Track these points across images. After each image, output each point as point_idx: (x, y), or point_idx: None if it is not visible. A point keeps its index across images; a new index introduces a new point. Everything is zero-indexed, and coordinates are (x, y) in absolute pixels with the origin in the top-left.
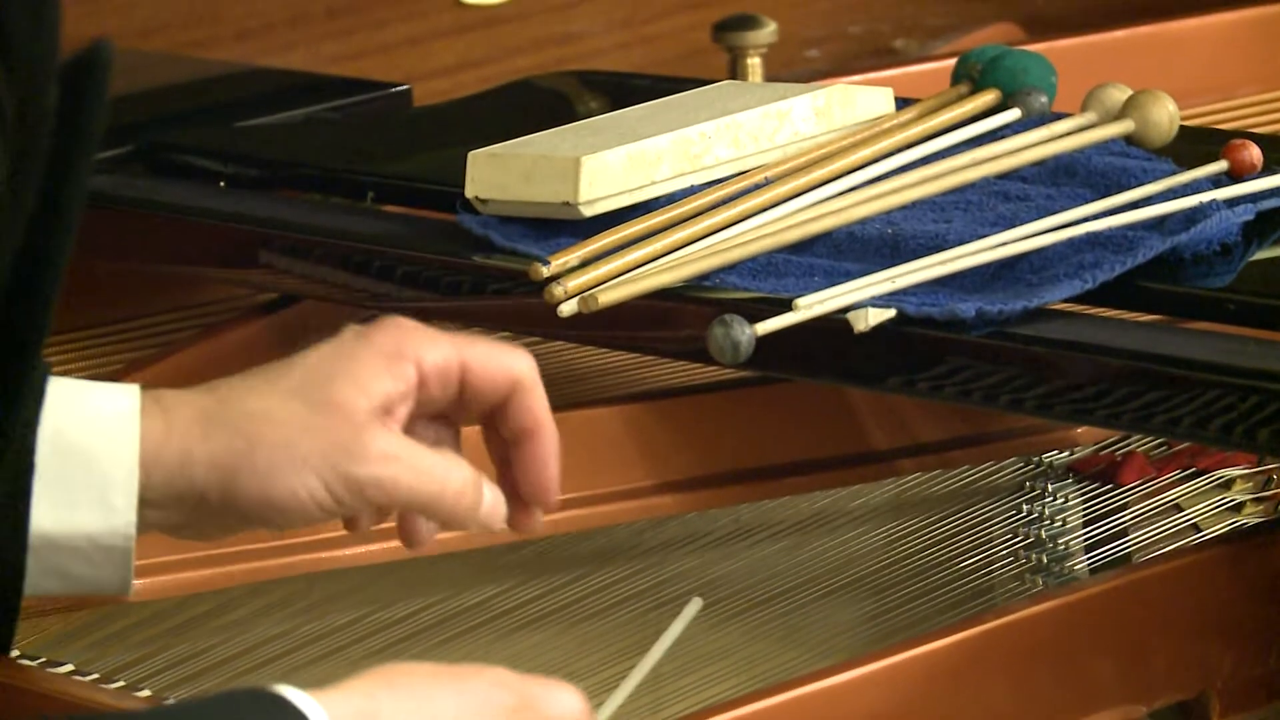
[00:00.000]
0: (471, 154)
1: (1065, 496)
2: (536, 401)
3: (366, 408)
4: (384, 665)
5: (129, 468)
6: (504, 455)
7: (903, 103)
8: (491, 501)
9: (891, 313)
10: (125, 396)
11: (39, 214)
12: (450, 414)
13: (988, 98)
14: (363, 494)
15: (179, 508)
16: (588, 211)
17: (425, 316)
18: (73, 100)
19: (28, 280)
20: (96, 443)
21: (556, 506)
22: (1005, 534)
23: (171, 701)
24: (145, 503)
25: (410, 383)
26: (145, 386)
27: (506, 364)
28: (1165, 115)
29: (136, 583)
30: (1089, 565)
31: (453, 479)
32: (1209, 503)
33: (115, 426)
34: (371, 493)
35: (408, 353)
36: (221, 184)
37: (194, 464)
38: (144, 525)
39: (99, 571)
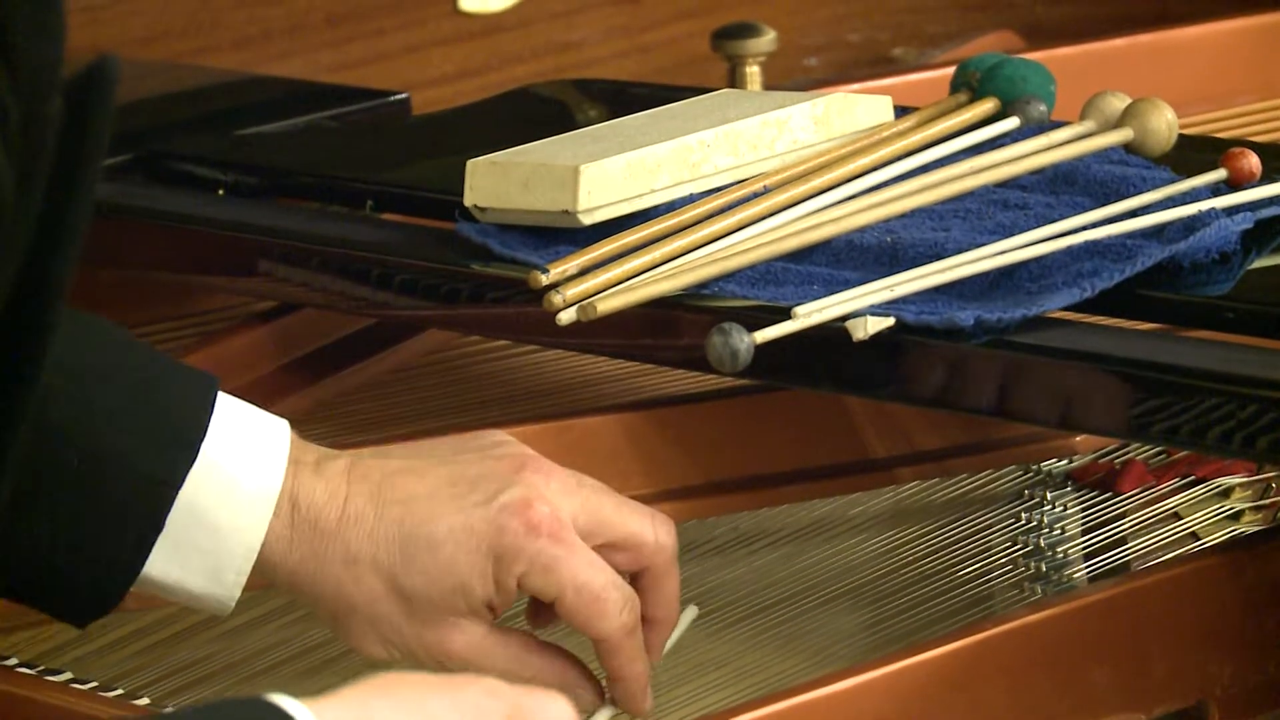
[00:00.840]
0: (470, 162)
1: (1064, 504)
2: (620, 663)
3: (464, 609)
4: (378, 674)
5: (246, 556)
6: None
7: (902, 111)
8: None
9: (890, 321)
10: (270, 473)
11: (43, 230)
12: None
13: (986, 106)
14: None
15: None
16: (587, 220)
17: (423, 325)
18: (78, 115)
19: (30, 296)
20: (227, 522)
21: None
22: (1004, 542)
23: (169, 709)
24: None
25: (509, 596)
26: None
27: (594, 625)
28: (1164, 124)
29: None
30: (1088, 573)
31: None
32: (1208, 511)
33: (249, 512)
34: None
35: (517, 567)
36: (220, 192)
37: (299, 592)
38: None
39: (191, 607)
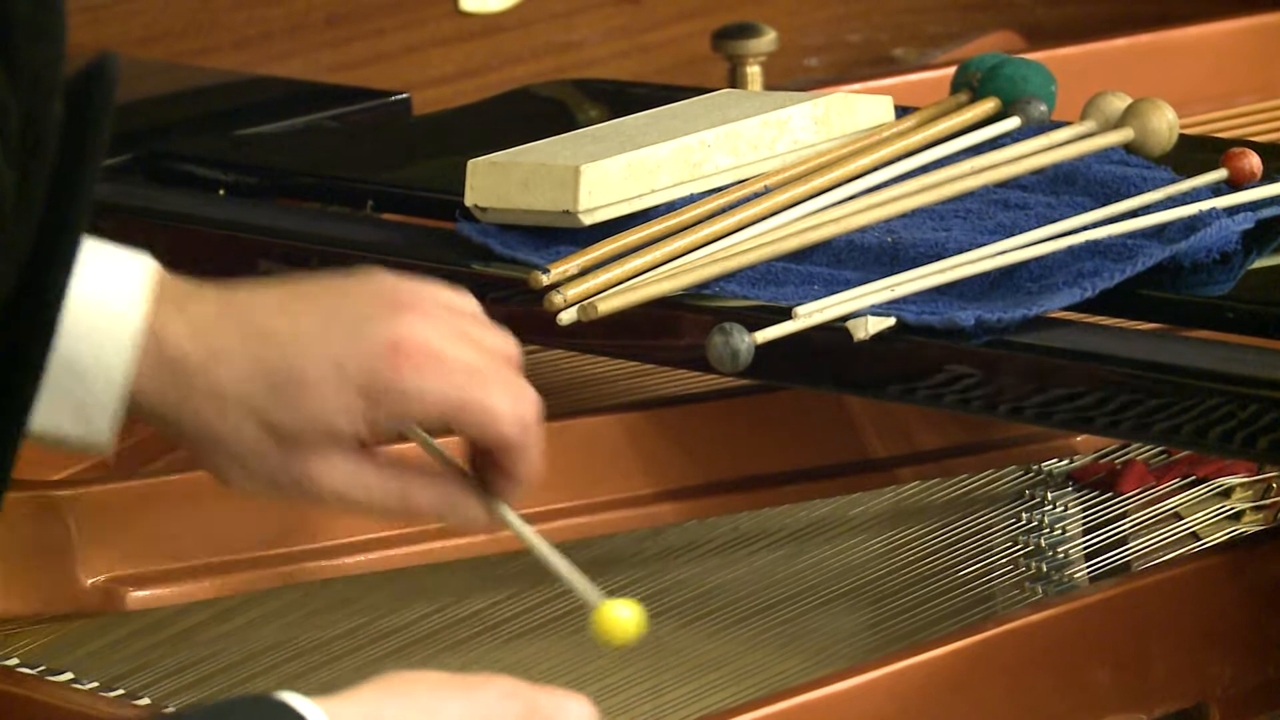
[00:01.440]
0: (471, 162)
1: (1065, 504)
2: (515, 460)
3: (331, 445)
4: (391, 673)
5: (115, 397)
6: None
7: (902, 111)
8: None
9: (891, 321)
10: (133, 311)
11: (43, 230)
12: None
13: (987, 106)
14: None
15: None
16: (587, 220)
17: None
18: (78, 115)
19: (30, 296)
20: (92, 365)
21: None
22: (1005, 542)
23: (171, 709)
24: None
25: (381, 433)
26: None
27: (488, 432)
28: (1165, 123)
29: (136, 593)
30: (1088, 573)
31: (377, 511)
32: (1208, 511)
33: (114, 354)
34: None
35: (390, 405)
36: (221, 192)
37: (163, 425)
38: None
39: (71, 451)
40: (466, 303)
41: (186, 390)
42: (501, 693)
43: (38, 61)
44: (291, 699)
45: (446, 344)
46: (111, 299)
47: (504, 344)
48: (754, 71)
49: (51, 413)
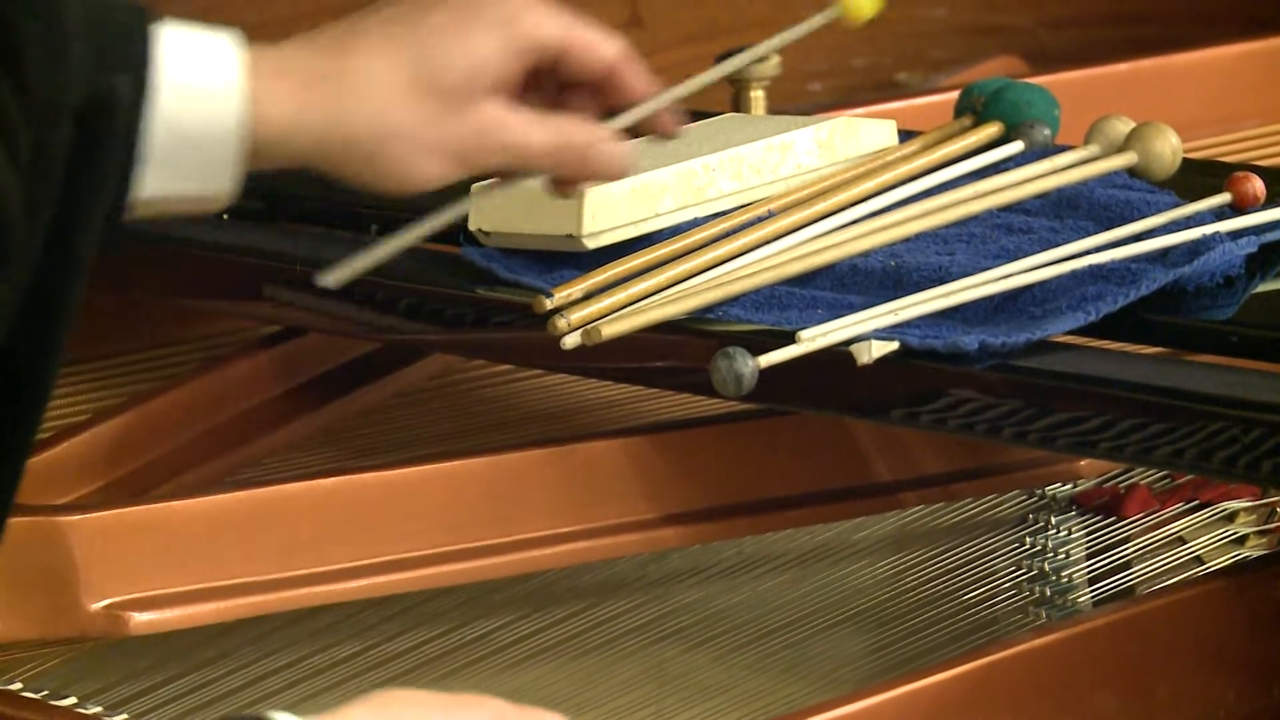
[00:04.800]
0: (475, 186)
1: (1069, 529)
2: (636, 80)
3: (483, 90)
4: (380, 691)
5: (234, 148)
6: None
7: (906, 135)
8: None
9: (894, 345)
10: (230, 69)
11: (51, 251)
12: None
13: (991, 130)
14: (487, 167)
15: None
16: (591, 244)
17: (428, 349)
18: (90, 141)
19: (38, 319)
20: (202, 127)
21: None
22: (1009, 567)
23: None
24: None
25: (524, 63)
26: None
27: (599, 51)
28: (1168, 148)
29: (140, 618)
30: (1092, 598)
31: (548, 155)
32: (1212, 535)
33: (222, 108)
34: (497, 162)
35: (522, 30)
36: (224, 216)
37: (320, 144)
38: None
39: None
40: None
41: (327, 91)
42: (489, 715)
43: (47, 84)
44: (280, 718)
45: None
46: (206, 68)
47: None
48: (758, 96)
49: (175, 181)
